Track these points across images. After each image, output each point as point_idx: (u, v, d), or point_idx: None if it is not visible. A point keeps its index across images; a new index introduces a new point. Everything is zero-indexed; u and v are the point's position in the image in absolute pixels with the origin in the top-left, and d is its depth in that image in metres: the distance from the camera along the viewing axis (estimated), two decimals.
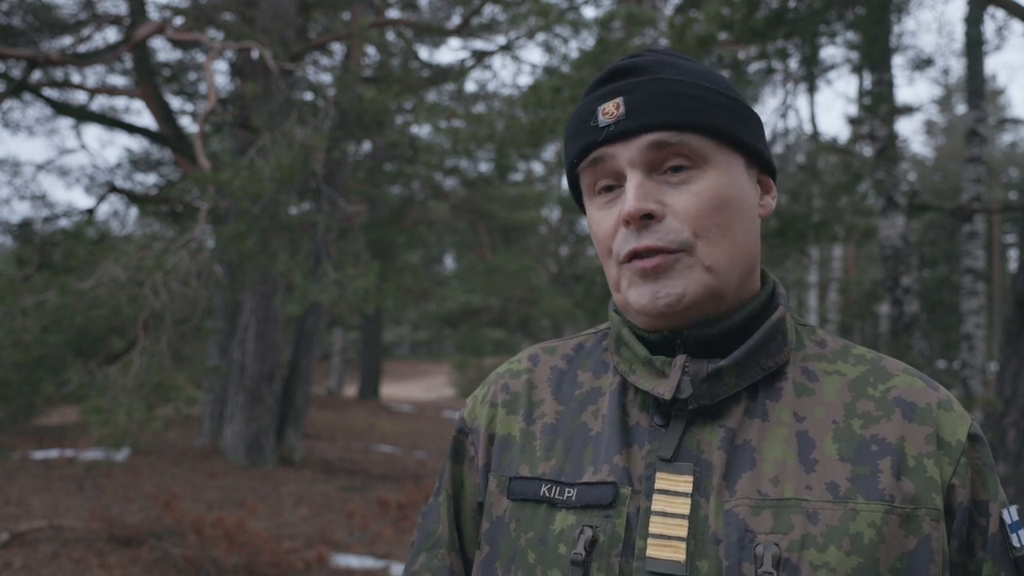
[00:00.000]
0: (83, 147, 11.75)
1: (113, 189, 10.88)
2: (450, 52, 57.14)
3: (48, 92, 10.22)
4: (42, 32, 9.86)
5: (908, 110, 14.50)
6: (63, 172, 11.98)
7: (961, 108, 27.67)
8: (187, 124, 12.66)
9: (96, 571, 4.83)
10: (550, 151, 17.46)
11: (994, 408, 5.97)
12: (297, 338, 10.69)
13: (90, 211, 10.41)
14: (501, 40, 11.59)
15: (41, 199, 11.18)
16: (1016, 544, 0.76)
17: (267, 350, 9.34)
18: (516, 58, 12.07)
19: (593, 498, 0.79)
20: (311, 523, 6.62)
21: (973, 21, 7.84)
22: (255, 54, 8.70)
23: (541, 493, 0.82)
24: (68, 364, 5.71)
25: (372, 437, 13.29)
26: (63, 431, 9.02)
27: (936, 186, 24.16)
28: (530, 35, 10.57)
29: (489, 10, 11.19)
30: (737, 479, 0.76)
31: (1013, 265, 27.05)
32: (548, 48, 12.27)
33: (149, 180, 12.99)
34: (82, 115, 10.37)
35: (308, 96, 8.95)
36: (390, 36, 11.64)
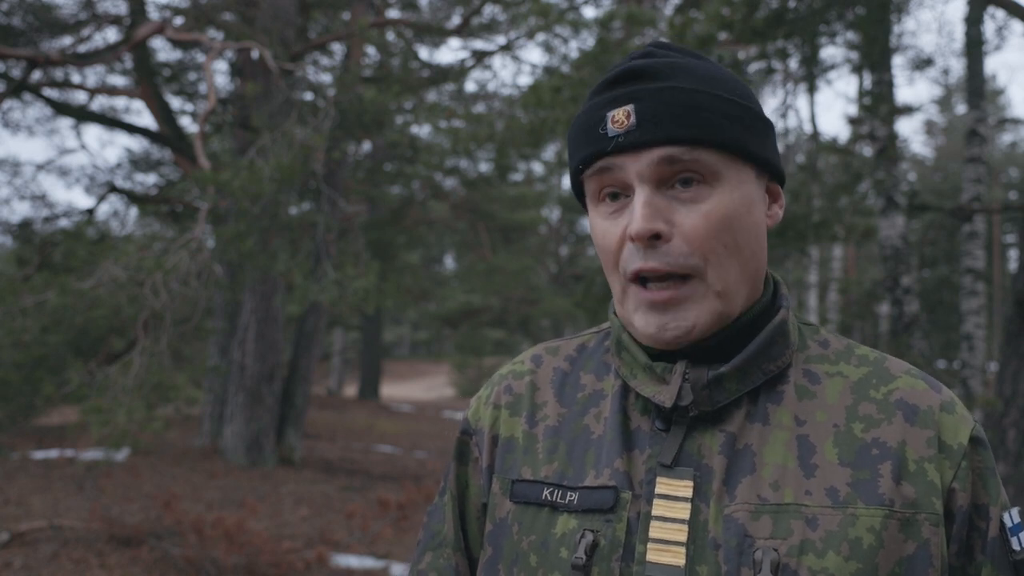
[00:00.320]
0: (83, 147, 11.75)
1: (113, 189, 10.88)
2: (450, 52, 57.17)
3: (48, 92, 10.22)
4: (42, 32, 9.86)
5: (908, 110, 14.51)
6: (63, 172, 11.98)
7: (961, 108, 27.67)
8: (187, 124, 12.66)
9: (96, 571, 4.83)
10: (550, 151, 17.48)
11: (994, 408, 5.97)
12: (297, 338, 10.69)
13: (90, 211, 10.41)
14: (501, 40, 11.59)
15: (41, 199, 11.18)
16: (1016, 547, 0.76)
17: (267, 350, 9.34)
18: (516, 58, 12.07)
19: (594, 502, 0.79)
20: (311, 523, 6.62)
21: (973, 21, 7.84)
22: (255, 54, 8.70)
23: (543, 496, 0.82)
24: (68, 364, 5.71)
25: (372, 437, 13.29)
26: (63, 431, 9.02)
27: (936, 186, 24.16)
28: (530, 35, 10.57)
29: (489, 10, 11.19)
30: (737, 484, 0.76)
31: (1013, 265, 27.05)
32: (548, 48, 12.27)
33: (149, 180, 13.00)
34: (82, 115, 10.37)
35: (308, 96, 8.95)
36: (390, 36, 11.64)
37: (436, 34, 11.62)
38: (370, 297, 6.96)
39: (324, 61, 12.24)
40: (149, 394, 5.39)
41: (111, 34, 16.29)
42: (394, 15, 11.97)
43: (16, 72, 8.95)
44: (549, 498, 0.81)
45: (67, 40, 10.28)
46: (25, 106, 10.66)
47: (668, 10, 8.01)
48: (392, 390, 27.14)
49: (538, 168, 20.75)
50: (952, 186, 22.08)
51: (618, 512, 0.77)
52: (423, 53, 15.83)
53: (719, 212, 0.76)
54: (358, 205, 14.10)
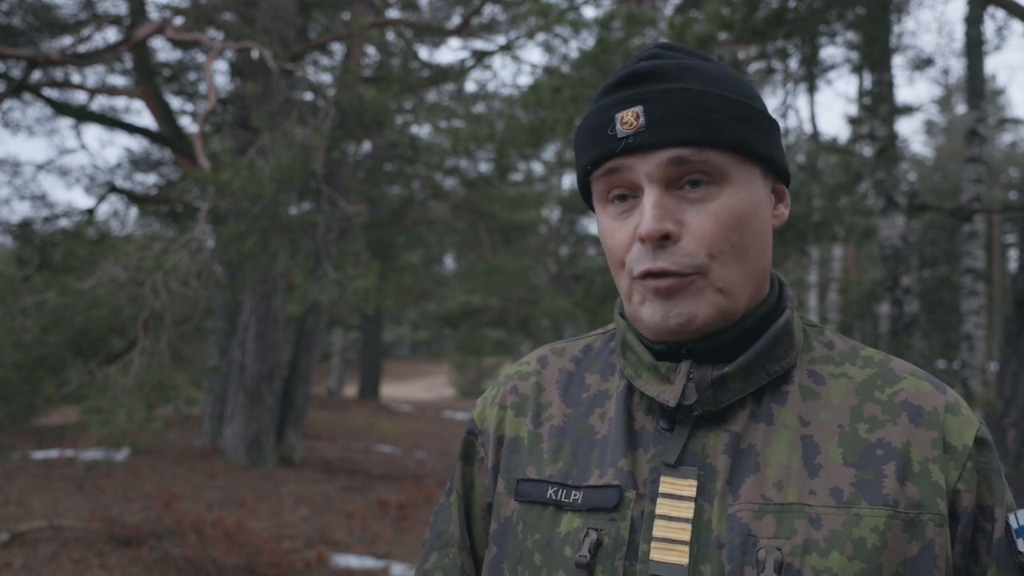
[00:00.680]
0: (83, 147, 11.75)
1: (113, 189, 10.88)
2: (450, 52, 57.17)
3: (48, 92, 10.22)
4: (42, 32, 9.86)
5: (908, 110, 14.52)
6: (63, 172, 11.98)
7: (961, 108, 27.68)
8: (187, 124, 12.66)
9: (96, 571, 4.83)
10: (550, 151, 17.49)
11: (994, 408, 5.98)
12: (297, 338, 10.69)
13: (90, 211, 10.41)
14: (501, 40, 11.60)
15: (41, 199, 11.18)
16: (1022, 549, 0.76)
17: (267, 350, 9.34)
18: (516, 58, 12.07)
19: (598, 501, 0.79)
20: (311, 523, 6.62)
21: (973, 21, 7.84)
22: (255, 54, 8.69)
23: (548, 495, 0.82)
24: (68, 364, 5.71)
25: (372, 437, 13.29)
26: (63, 431, 9.01)
27: (936, 186, 24.16)
28: (530, 35, 10.57)
29: (489, 10, 11.19)
30: (741, 484, 0.76)
31: (1013, 265, 27.06)
32: (548, 48, 12.28)
33: (149, 180, 13.00)
34: (82, 115, 10.38)
35: (308, 96, 8.95)
36: (390, 36, 11.64)
37: (436, 34, 11.62)
38: (370, 297, 6.96)
39: (324, 61, 12.25)
40: (149, 394, 5.39)
41: (111, 34, 16.31)
42: (394, 15, 11.97)
43: (16, 72, 8.95)
44: (554, 497, 0.82)
45: (67, 40, 10.28)
46: (25, 106, 10.66)
47: (668, 10, 8.01)
48: (392, 390, 27.14)
49: (538, 168, 20.76)
50: (952, 186, 22.09)
51: (622, 511, 0.78)
52: (423, 53, 15.85)
53: (728, 212, 0.77)
54: (358, 205, 14.10)
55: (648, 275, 0.78)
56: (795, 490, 0.74)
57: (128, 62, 10.46)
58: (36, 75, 9.38)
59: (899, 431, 0.77)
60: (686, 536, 0.75)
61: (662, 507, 0.76)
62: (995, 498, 0.77)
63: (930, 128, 31.71)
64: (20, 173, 11.26)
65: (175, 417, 7.88)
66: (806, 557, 0.71)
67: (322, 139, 6.51)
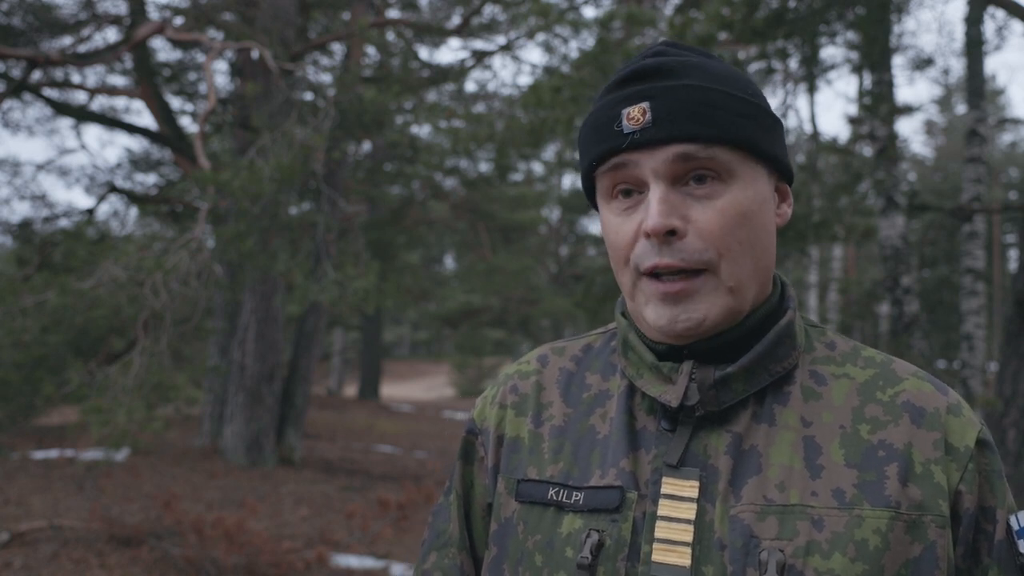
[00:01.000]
0: (83, 147, 11.75)
1: (113, 189, 10.88)
2: (450, 52, 57.15)
3: (48, 92, 10.22)
4: (42, 32, 9.85)
5: (908, 110, 14.53)
6: (63, 172, 11.97)
7: (961, 108, 27.68)
8: (187, 124, 12.66)
9: (96, 571, 4.83)
10: (550, 151, 17.48)
11: (994, 408, 5.98)
12: (297, 338, 10.69)
13: (90, 211, 10.41)
14: (501, 40, 11.59)
15: (41, 199, 11.18)
16: (1023, 550, 0.76)
17: (267, 350, 9.34)
18: (516, 58, 12.07)
19: (600, 502, 0.79)
20: (311, 523, 6.61)
21: (973, 21, 7.85)
22: (255, 54, 8.69)
23: (549, 496, 0.82)
24: (68, 364, 5.70)
25: (372, 437, 13.29)
26: (63, 431, 9.01)
27: (936, 186, 24.16)
28: (530, 35, 10.57)
29: (489, 10, 11.19)
30: (743, 484, 0.76)
31: (1013, 265, 27.06)
32: (548, 48, 12.27)
33: (149, 180, 13.00)
34: (82, 115, 10.37)
35: (308, 96, 8.95)
36: (390, 36, 11.64)
37: (436, 34, 11.62)
38: (370, 297, 6.95)
39: (324, 61, 12.25)
40: (149, 394, 5.39)
41: (111, 34, 16.28)
42: (394, 15, 11.97)
43: (16, 72, 8.94)
44: (555, 498, 0.81)
45: (67, 40, 10.28)
46: (25, 106, 10.66)
47: (668, 10, 8.01)
48: (392, 390, 27.14)
49: (538, 168, 20.75)
50: (952, 186, 22.09)
51: (624, 512, 0.77)
52: (423, 53, 15.84)
53: (733, 209, 0.77)
54: (358, 205, 14.10)
55: (655, 273, 0.77)
56: (797, 491, 0.74)
57: (128, 62, 10.46)
58: (36, 75, 9.37)
59: (901, 432, 0.77)
60: (688, 537, 0.74)
61: (664, 508, 0.76)
62: (996, 499, 0.77)
63: (930, 128, 31.72)
64: (20, 173, 11.26)
65: (175, 417, 7.88)
66: (808, 558, 0.71)
67: (322, 139, 6.51)
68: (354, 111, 7.81)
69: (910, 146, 29.90)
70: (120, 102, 12.30)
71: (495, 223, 17.95)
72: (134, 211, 12.84)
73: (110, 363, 6.42)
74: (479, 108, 12.26)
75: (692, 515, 0.75)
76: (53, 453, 8.46)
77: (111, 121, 10.53)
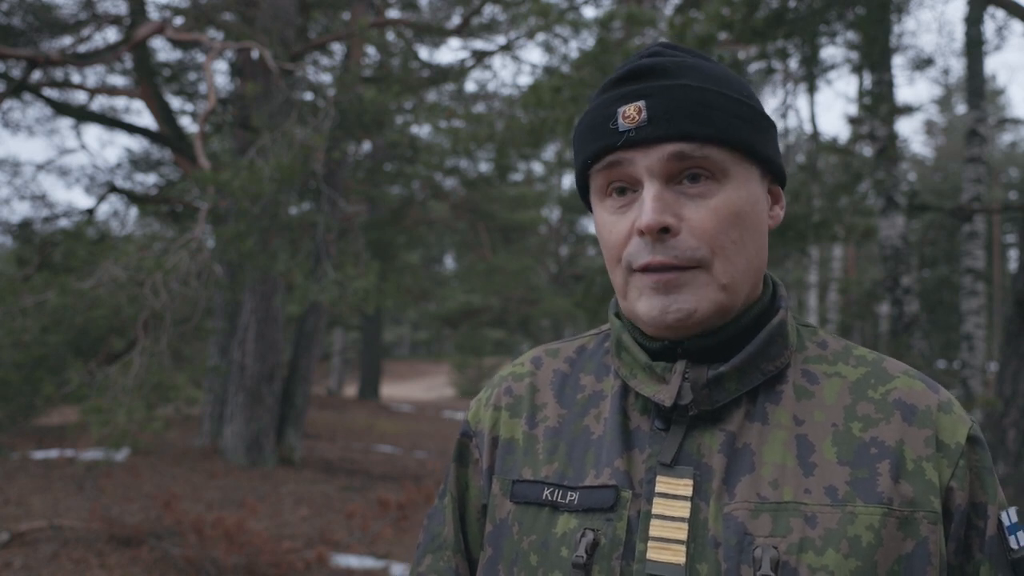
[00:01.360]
0: (83, 147, 11.75)
1: (113, 189, 10.88)
2: (450, 52, 57.17)
3: (48, 92, 10.22)
4: (42, 32, 9.86)
5: (908, 110, 14.53)
6: (63, 172, 11.98)
7: (961, 108, 27.67)
8: (187, 124, 12.67)
9: (96, 571, 4.83)
10: (550, 151, 17.49)
11: (994, 408, 5.98)
12: (297, 338, 10.69)
13: (90, 211, 10.41)
14: (501, 40, 11.60)
15: (41, 199, 11.19)
16: (1014, 546, 0.76)
17: (267, 350, 9.34)
18: (516, 58, 12.08)
19: (595, 501, 0.79)
20: (311, 523, 6.62)
21: (973, 21, 7.85)
22: (255, 54, 8.70)
23: (544, 496, 0.82)
24: (68, 364, 5.71)
25: (372, 437, 13.29)
26: (63, 431, 9.02)
27: (936, 186, 24.16)
28: (530, 35, 10.58)
29: (489, 10, 11.19)
30: (736, 483, 0.76)
31: (1013, 265, 27.05)
32: (548, 48, 12.28)
33: (149, 180, 13.00)
34: (82, 115, 10.38)
35: (308, 96, 8.96)
36: (390, 36, 11.64)
37: (436, 34, 11.62)
38: (370, 297, 6.96)
39: (324, 61, 12.25)
40: (149, 394, 5.39)
41: (111, 34, 16.31)
42: (394, 15, 11.97)
43: (16, 72, 8.95)
44: (550, 498, 0.82)
45: (67, 40, 10.28)
46: (25, 106, 10.66)
47: (668, 10, 8.01)
48: (392, 390, 27.14)
49: (538, 168, 20.76)
50: (952, 186, 22.09)
51: (618, 511, 0.78)
52: (423, 53, 15.86)
53: (727, 208, 0.77)
54: (358, 205, 14.11)
55: (648, 269, 0.78)
56: (790, 489, 0.75)
57: (128, 62, 10.46)
58: (36, 75, 9.38)
59: (892, 429, 0.78)
60: (682, 535, 0.75)
61: (658, 507, 0.77)
62: (988, 496, 0.77)
63: (930, 128, 31.72)
64: (20, 173, 11.26)
65: (175, 417, 7.88)
66: (802, 555, 0.72)
67: (322, 139, 6.51)
68: (354, 111, 7.82)
69: (910, 146, 29.92)
70: (120, 102, 12.32)
71: (495, 223, 17.96)
72: (134, 211, 12.86)
73: (110, 363, 6.42)
74: (479, 108, 12.27)
75: (686, 513, 0.76)
76: (53, 453, 8.46)
77: (111, 121, 10.54)
